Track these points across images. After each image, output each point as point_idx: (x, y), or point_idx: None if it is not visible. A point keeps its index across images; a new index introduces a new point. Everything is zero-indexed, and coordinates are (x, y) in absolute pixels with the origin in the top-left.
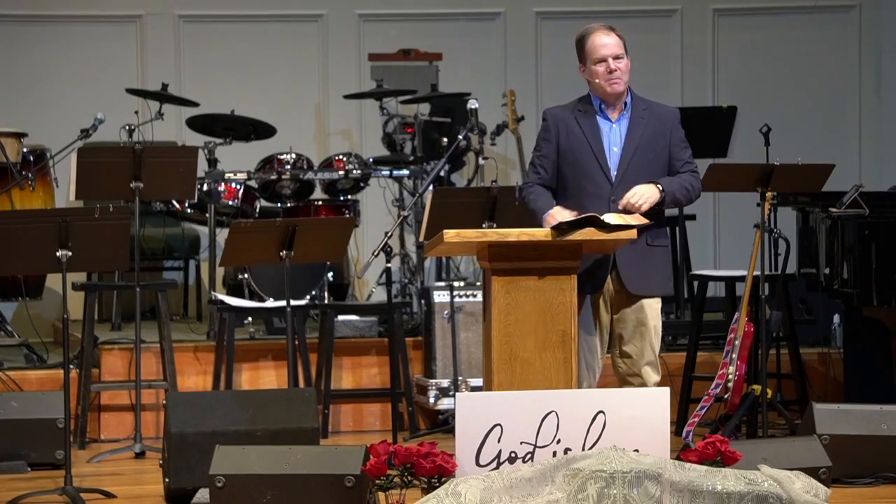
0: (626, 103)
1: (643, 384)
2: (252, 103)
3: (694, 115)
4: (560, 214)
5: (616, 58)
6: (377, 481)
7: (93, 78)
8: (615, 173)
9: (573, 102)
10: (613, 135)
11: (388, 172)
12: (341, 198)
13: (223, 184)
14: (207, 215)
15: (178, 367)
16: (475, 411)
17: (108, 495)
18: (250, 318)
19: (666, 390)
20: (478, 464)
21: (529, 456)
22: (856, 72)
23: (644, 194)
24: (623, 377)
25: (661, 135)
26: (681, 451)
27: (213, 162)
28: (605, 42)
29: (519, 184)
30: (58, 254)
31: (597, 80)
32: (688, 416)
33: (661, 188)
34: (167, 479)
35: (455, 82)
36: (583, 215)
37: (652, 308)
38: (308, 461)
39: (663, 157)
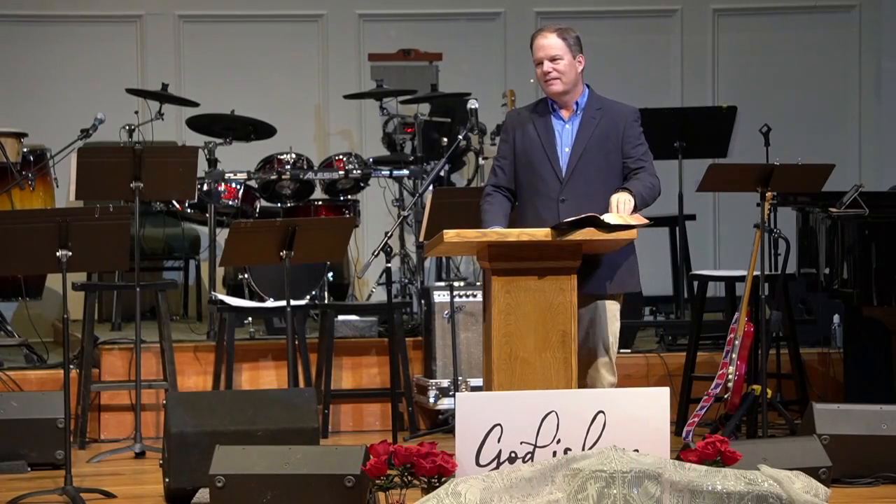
0: (578, 103)
1: (594, 385)
2: (252, 103)
3: (694, 115)
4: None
5: (552, 59)
6: (377, 481)
7: (93, 78)
8: (564, 173)
9: (533, 104)
10: (566, 135)
11: (388, 172)
12: (341, 198)
13: (223, 184)
14: (207, 215)
15: (178, 367)
16: (475, 411)
17: (108, 495)
18: (250, 318)
19: (666, 390)
20: (478, 464)
21: (529, 456)
22: (856, 72)
23: (623, 200)
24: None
25: (613, 134)
26: (681, 451)
27: (213, 162)
28: (541, 44)
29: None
30: (58, 254)
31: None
32: (688, 416)
33: (631, 192)
34: (167, 479)
35: (455, 82)
36: (582, 215)
37: (607, 309)
38: (308, 461)
39: (615, 156)
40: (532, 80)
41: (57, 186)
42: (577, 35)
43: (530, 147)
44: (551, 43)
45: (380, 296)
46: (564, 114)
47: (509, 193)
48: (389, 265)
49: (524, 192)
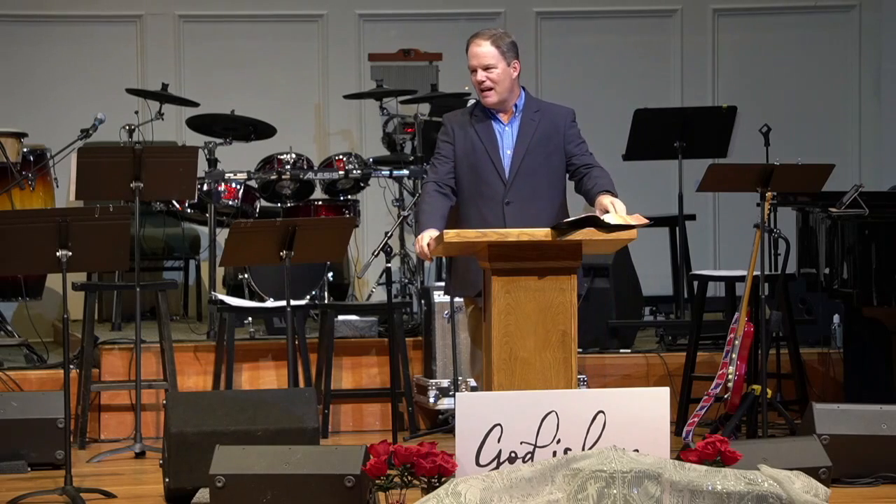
0: (516, 105)
1: None
2: (252, 103)
3: (694, 115)
4: (424, 241)
5: (486, 68)
6: (377, 481)
7: (93, 78)
8: (508, 175)
9: (470, 107)
10: (507, 137)
11: (388, 172)
12: (341, 198)
13: (223, 184)
14: (207, 215)
15: (178, 367)
16: (475, 411)
17: (108, 495)
18: (250, 318)
19: (666, 390)
20: (478, 464)
21: (529, 456)
22: (856, 72)
23: (616, 201)
24: None
25: (554, 134)
26: (681, 451)
27: (213, 162)
28: (475, 52)
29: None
30: (58, 254)
31: None
32: (688, 416)
33: (614, 193)
34: (167, 479)
35: (455, 82)
36: (582, 215)
37: None
38: (308, 461)
39: (557, 156)
40: (466, 87)
41: (57, 186)
42: (511, 41)
43: (472, 150)
44: (485, 51)
45: (380, 296)
46: (504, 117)
47: (449, 190)
48: (389, 265)
49: (466, 195)
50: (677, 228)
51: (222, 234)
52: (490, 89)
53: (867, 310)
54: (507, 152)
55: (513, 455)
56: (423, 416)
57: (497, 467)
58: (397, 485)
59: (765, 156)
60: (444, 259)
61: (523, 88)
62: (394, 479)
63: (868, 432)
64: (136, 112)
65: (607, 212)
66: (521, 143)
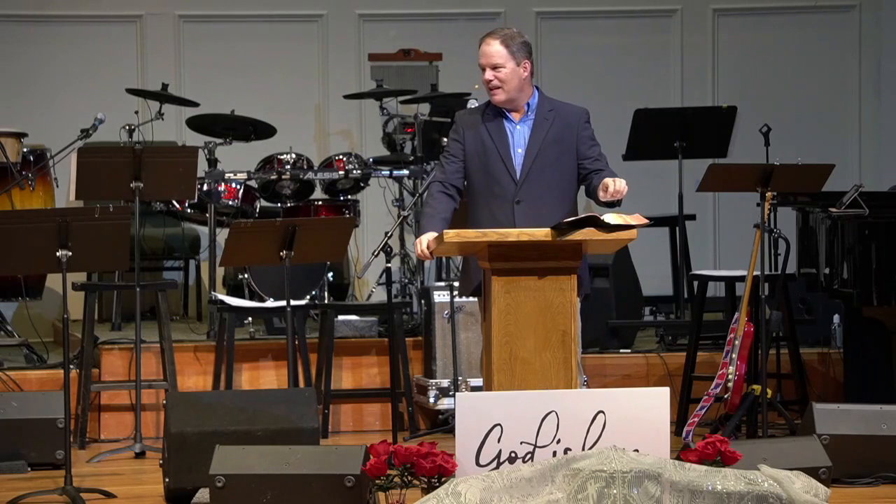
0: (529, 104)
1: None
2: (252, 103)
3: (694, 115)
4: (423, 243)
5: (494, 67)
6: (377, 481)
7: (93, 78)
8: (519, 175)
9: (482, 106)
10: (518, 136)
11: (388, 172)
12: (341, 198)
13: (223, 184)
14: (207, 215)
15: (178, 367)
16: (475, 411)
17: (108, 495)
18: (250, 318)
19: (666, 390)
20: (478, 464)
21: (529, 456)
22: (856, 72)
23: (619, 179)
24: None
25: (567, 135)
26: (681, 451)
27: (213, 162)
28: (484, 51)
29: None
30: (58, 254)
31: None
32: (688, 416)
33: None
34: (167, 479)
35: (455, 82)
36: (582, 215)
37: None
38: (308, 461)
39: (569, 157)
40: (477, 87)
41: (57, 186)
42: (523, 41)
43: (483, 149)
44: (494, 50)
45: (380, 296)
46: (515, 116)
47: (455, 191)
48: (389, 265)
49: (478, 194)
50: (677, 228)
51: (222, 234)
52: (498, 88)
53: (867, 310)
54: (518, 151)
55: (513, 455)
56: (423, 416)
57: (497, 467)
58: (397, 485)
59: (765, 156)
60: (444, 259)
61: (537, 88)
62: (394, 479)
63: (868, 432)
64: (136, 112)
65: (607, 190)
66: (533, 142)
